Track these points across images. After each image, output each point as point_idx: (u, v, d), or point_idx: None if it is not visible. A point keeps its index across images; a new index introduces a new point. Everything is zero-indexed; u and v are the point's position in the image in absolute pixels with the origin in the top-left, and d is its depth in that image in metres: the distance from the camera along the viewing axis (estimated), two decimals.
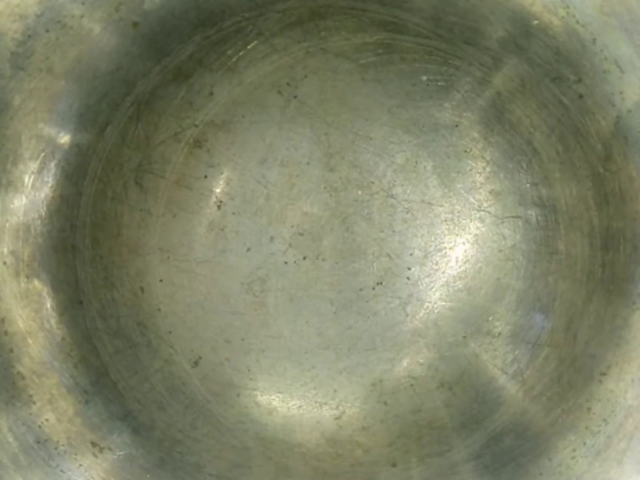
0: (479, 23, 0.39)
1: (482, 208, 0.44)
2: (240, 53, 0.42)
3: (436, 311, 0.44)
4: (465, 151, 0.44)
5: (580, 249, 0.42)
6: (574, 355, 0.41)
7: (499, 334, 0.44)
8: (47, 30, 0.35)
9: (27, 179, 0.38)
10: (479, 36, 0.40)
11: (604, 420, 0.38)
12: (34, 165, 0.38)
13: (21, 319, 0.37)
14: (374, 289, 0.44)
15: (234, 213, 0.44)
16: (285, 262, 0.44)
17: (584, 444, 0.38)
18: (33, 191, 0.39)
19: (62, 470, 0.37)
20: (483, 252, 0.44)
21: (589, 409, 0.39)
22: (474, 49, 0.41)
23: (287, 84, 0.43)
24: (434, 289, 0.44)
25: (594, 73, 0.37)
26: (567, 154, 0.41)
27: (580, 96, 0.38)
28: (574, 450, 0.38)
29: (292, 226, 0.44)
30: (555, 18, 0.36)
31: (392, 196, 0.44)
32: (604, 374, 0.39)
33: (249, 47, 0.42)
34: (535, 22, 0.37)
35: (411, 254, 0.44)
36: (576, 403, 0.39)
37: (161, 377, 0.42)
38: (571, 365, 0.41)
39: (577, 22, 0.35)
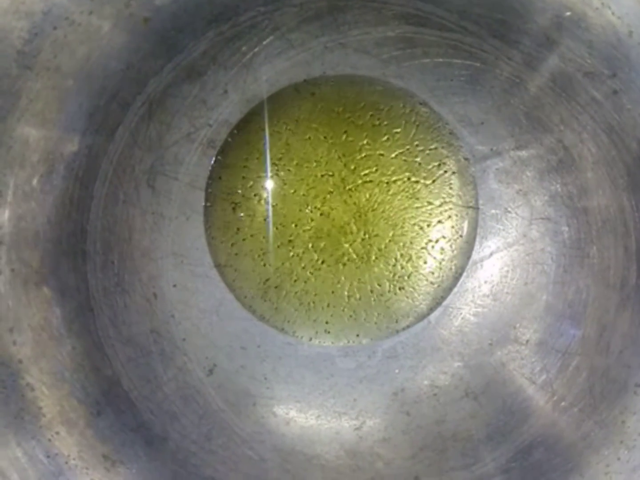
0: (507, 15, 0.38)
1: (509, 209, 0.43)
2: (256, 49, 0.42)
3: (460, 317, 0.44)
4: (492, 150, 0.42)
5: (613, 253, 0.41)
6: (606, 365, 0.40)
7: (527, 341, 0.43)
8: (55, 28, 0.34)
9: (36, 183, 0.37)
10: (507, 29, 0.39)
11: None
12: (42, 168, 0.38)
13: (30, 328, 0.37)
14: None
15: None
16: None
17: (618, 459, 0.38)
18: (42, 195, 0.38)
19: None
20: (510, 255, 0.43)
21: (623, 422, 0.38)
22: (501, 42, 0.40)
23: (305, 80, 0.42)
24: (458, 294, 0.43)
25: (629, 68, 0.36)
26: (600, 152, 0.40)
27: (615, 92, 0.38)
28: (608, 465, 0.38)
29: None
30: (590, 9, 0.35)
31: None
32: (639, 386, 0.38)
33: (264, 43, 0.41)
34: (568, 13, 0.36)
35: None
36: (610, 416, 0.39)
37: (175, 386, 0.42)
38: (604, 375, 0.40)
39: (613, 14, 0.35)
